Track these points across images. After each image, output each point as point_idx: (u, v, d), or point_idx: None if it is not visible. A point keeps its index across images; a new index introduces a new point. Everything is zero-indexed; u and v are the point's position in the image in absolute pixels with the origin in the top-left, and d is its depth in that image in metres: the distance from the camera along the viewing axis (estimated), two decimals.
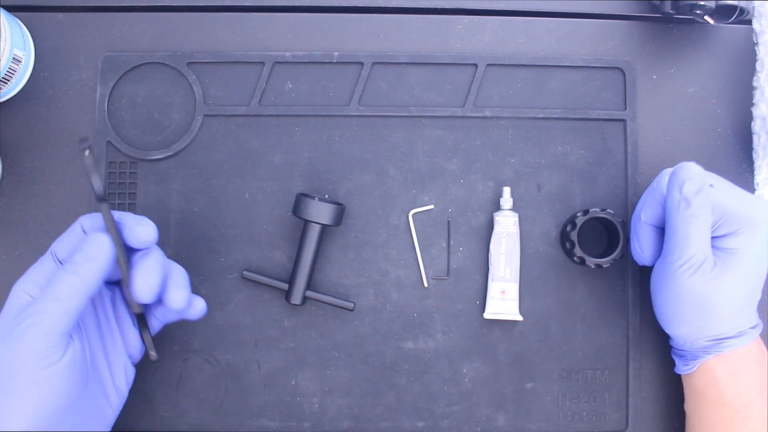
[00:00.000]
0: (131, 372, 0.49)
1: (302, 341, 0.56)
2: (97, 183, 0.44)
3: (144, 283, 0.45)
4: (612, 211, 0.55)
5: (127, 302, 0.49)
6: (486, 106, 0.58)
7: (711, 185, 0.49)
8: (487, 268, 0.56)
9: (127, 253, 0.46)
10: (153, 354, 0.49)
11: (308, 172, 0.57)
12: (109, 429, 0.48)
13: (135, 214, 0.48)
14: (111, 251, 0.44)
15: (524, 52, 0.59)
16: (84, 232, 0.46)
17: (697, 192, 0.47)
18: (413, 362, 0.56)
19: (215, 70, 0.58)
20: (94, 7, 0.59)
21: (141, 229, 0.46)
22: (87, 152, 0.43)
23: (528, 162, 0.58)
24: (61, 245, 0.46)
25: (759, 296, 0.50)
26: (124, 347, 0.49)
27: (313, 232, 0.54)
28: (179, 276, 0.48)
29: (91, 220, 0.47)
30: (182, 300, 0.47)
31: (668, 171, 0.51)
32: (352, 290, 0.57)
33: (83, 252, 0.44)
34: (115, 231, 0.45)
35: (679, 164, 0.49)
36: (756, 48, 0.57)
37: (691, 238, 0.47)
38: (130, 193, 0.56)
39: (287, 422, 0.55)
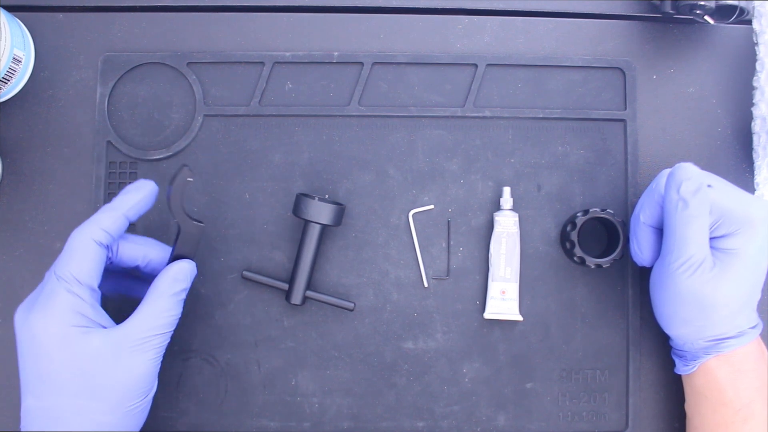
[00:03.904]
0: None
1: (302, 341, 0.56)
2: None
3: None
4: (612, 211, 0.55)
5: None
6: (486, 106, 0.58)
7: (709, 185, 0.49)
8: (487, 268, 0.56)
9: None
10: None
11: (308, 172, 0.57)
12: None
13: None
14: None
15: (524, 52, 0.59)
16: (101, 245, 0.45)
17: (694, 192, 0.47)
18: (413, 362, 0.56)
19: (215, 70, 0.58)
20: (94, 7, 0.59)
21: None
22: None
23: (528, 162, 0.58)
24: (69, 267, 0.44)
25: (758, 296, 0.50)
26: None
27: (313, 232, 0.54)
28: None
29: (101, 230, 0.45)
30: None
31: (666, 172, 0.50)
32: (352, 290, 0.57)
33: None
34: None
35: (677, 165, 0.49)
36: (756, 48, 0.57)
37: (690, 238, 0.47)
38: None
39: (287, 422, 0.55)
